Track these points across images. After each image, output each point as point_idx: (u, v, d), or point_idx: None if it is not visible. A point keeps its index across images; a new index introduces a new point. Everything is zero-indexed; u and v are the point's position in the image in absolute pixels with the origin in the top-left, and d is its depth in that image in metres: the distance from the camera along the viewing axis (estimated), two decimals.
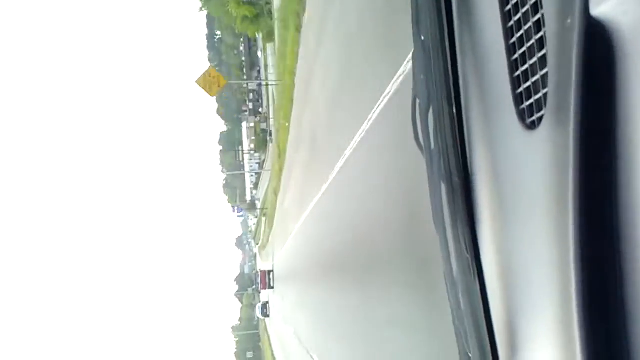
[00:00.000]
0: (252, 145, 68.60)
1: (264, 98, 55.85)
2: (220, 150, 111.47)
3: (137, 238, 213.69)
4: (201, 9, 43.65)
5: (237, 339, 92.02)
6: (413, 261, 5.24)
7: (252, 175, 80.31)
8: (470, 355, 1.12)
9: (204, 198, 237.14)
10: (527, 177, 0.87)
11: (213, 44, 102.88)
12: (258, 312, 40.42)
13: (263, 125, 46.87)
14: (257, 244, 57.33)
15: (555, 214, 0.77)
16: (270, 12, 30.78)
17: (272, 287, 34.09)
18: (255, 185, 66.28)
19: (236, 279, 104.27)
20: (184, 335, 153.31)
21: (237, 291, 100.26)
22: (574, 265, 0.70)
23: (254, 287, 48.99)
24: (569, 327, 0.72)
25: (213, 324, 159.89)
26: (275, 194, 31.33)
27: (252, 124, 60.25)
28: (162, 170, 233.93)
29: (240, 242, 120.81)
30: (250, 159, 77.04)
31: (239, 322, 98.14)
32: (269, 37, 34.52)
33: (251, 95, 61.94)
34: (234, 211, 38.62)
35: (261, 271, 37.60)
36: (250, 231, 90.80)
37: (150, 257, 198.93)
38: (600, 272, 0.69)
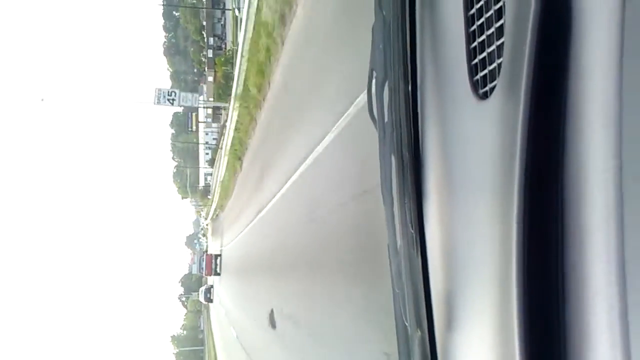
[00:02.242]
0: (210, 112, 54.94)
1: (229, 36, 42.68)
2: (172, 134, 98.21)
3: (76, 235, 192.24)
4: None
5: (176, 352, 77.03)
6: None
7: (207, 154, 66.60)
8: (406, 323, 1.13)
9: (153, 191, 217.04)
10: (476, 151, 0.87)
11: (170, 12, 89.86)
12: (201, 297, 36.85)
13: (226, 68, 33.78)
14: (208, 218, 45.05)
15: (499, 191, 0.77)
16: None
17: (219, 274, 30.19)
18: (211, 163, 52.90)
19: (181, 280, 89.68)
20: (116, 343, 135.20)
21: (182, 294, 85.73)
22: (516, 245, 0.70)
23: (202, 289, 38.99)
24: (507, 305, 0.72)
25: (150, 331, 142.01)
26: (239, 157, 22.81)
27: (210, 78, 47.06)
28: (105, 159, 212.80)
29: (190, 241, 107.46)
30: (207, 132, 63.56)
31: (182, 331, 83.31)
32: None
33: (212, 41, 48.85)
34: (158, 101, 21.49)
35: (207, 254, 33.23)
36: (202, 229, 77.60)
37: (88, 253, 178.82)
38: (542, 251, 0.69)
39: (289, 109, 10.81)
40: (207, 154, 64.90)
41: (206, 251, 42.83)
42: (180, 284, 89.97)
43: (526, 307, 0.70)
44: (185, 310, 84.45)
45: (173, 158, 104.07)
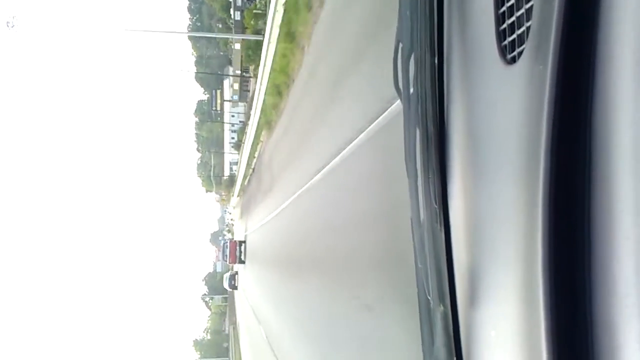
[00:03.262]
0: (236, 87, 48.30)
1: None
2: (196, 122, 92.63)
3: (95, 229, 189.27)
4: None
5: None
6: None
7: (232, 138, 60.07)
8: (429, 297, 1.13)
9: (177, 185, 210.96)
10: (502, 118, 0.86)
11: None
12: (225, 284, 35.93)
13: (258, 11, 26.78)
14: (234, 194, 41.72)
15: (526, 161, 0.76)
16: None
17: (243, 262, 28.53)
18: (237, 146, 46.22)
19: (205, 279, 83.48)
20: (137, 345, 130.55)
21: (206, 294, 79.55)
22: (542, 220, 0.70)
23: (226, 275, 36.31)
24: (532, 282, 0.72)
25: (172, 333, 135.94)
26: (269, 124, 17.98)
27: (237, 45, 40.35)
28: (129, 150, 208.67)
29: (215, 238, 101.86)
30: (232, 114, 56.93)
31: (205, 335, 77.00)
32: None
33: (239, 1, 41.96)
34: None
35: (231, 241, 31.02)
36: (227, 225, 71.31)
37: (109, 249, 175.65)
38: (569, 225, 0.69)
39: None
40: (232, 138, 58.35)
41: (231, 238, 40.02)
42: (204, 282, 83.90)
43: (553, 285, 0.69)
44: (209, 312, 78.35)
45: (197, 149, 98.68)
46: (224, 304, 65.11)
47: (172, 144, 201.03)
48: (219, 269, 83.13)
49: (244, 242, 28.71)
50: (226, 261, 31.33)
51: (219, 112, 54.64)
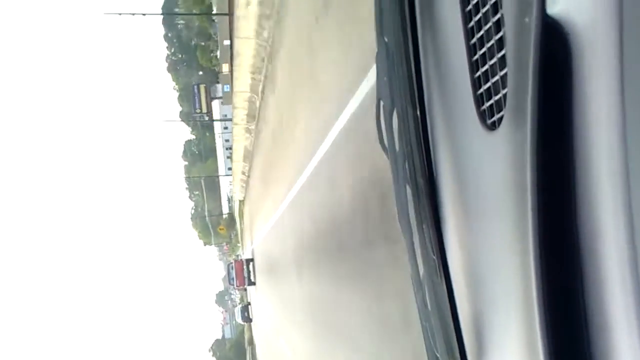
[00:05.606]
0: (226, 69, 35.40)
1: None
2: (185, 166, 79.81)
3: (91, 305, 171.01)
4: None
5: None
6: None
7: (228, 157, 46.41)
8: (437, 354, 1.13)
9: (170, 243, 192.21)
10: (489, 178, 0.88)
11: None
12: (239, 319, 32.52)
13: None
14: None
15: (514, 214, 0.78)
16: None
17: (254, 283, 25.03)
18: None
19: (213, 348, 67.31)
20: None
21: None
22: (534, 265, 0.72)
23: (237, 309, 31.39)
24: (531, 328, 0.74)
25: None
26: None
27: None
28: (119, 217, 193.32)
29: (221, 298, 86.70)
30: (225, 126, 43.64)
31: None
32: None
33: None
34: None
35: (236, 261, 26.99)
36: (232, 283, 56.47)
37: (103, 325, 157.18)
38: (559, 271, 0.71)
39: None
40: (228, 157, 44.87)
41: (236, 259, 33.20)
42: (211, 353, 67.72)
43: (549, 333, 0.71)
44: None
45: (190, 197, 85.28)
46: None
47: (163, 200, 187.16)
48: (228, 335, 67.31)
49: (252, 259, 25.39)
50: (233, 285, 27.29)
51: (204, 114, 41.01)
